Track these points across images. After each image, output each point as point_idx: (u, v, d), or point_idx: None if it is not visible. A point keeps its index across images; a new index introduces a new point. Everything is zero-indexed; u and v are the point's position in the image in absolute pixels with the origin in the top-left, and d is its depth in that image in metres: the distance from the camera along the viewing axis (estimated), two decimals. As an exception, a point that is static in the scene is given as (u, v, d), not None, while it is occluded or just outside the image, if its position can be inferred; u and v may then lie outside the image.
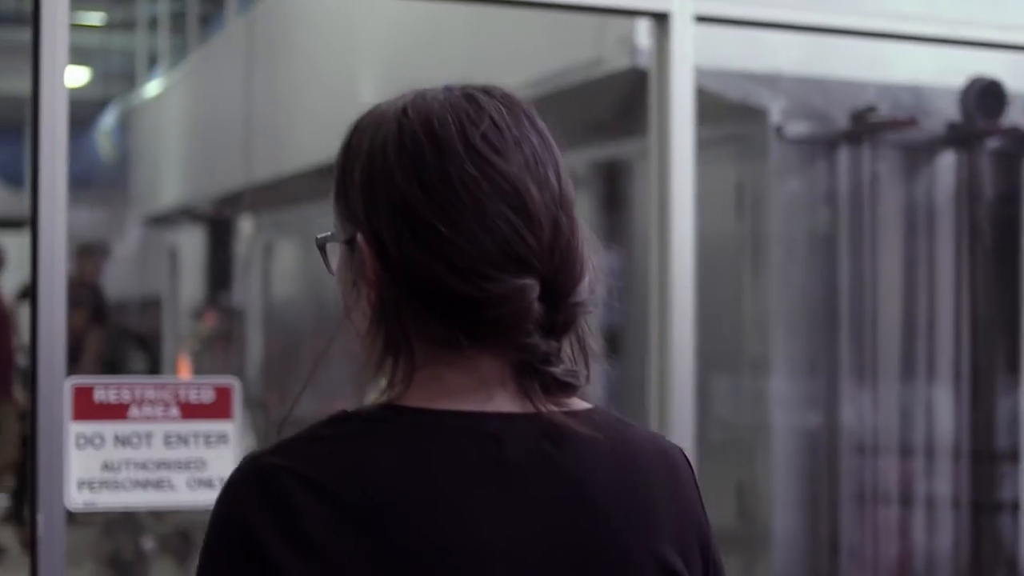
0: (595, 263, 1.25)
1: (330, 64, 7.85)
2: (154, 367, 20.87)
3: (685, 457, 1.33)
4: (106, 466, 2.72)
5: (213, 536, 1.18)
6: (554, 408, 1.21)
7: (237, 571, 1.15)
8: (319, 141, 7.73)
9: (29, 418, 2.60)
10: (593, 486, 1.22)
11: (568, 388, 1.22)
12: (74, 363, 10.16)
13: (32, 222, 2.67)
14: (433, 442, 1.18)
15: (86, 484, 2.69)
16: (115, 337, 15.77)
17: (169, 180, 12.17)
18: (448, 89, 1.24)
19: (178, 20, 12.91)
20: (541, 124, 1.24)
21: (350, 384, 1.27)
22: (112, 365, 10.53)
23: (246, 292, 10.75)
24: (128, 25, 14.66)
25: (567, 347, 1.23)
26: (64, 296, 2.58)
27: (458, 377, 1.21)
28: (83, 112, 19.88)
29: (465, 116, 1.20)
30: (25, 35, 2.72)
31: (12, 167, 18.80)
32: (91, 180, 20.63)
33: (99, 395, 2.71)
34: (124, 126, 16.35)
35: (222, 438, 3.06)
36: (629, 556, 1.22)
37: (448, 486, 1.17)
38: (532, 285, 1.18)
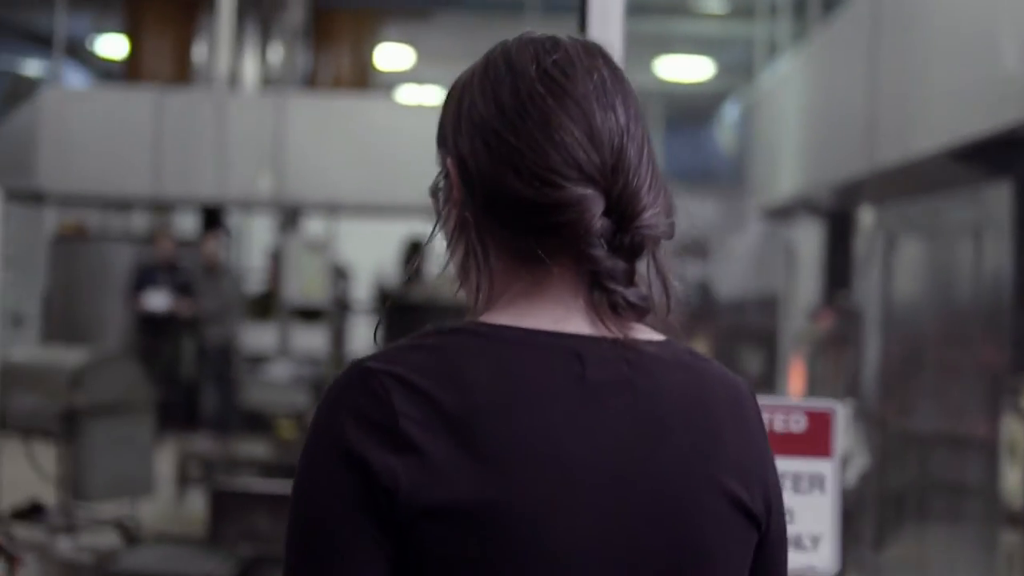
0: (667, 199, 1.33)
1: (968, 33, 6.90)
2: (769, 369, 20.43)
3: (752, 394, 1.38)
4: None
5: (314, 434, 1.26)
6: (626, 333, 1.29)
7: (335, 468, 1.22)
8: (954, 119, 6.82)
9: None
10: (666, 410, 1.30)
11: (637, 310, 1.30)
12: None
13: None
14: (521, 356, 1.26)
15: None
16: (730, 335, 15.47)
17: (786, 172, 11.53)
18: (546, 34, 1.35)
19: (798, 4, 12.26)
20: (617, 66, 1.34)
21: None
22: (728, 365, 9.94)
23: (865, 292, 9.93)
24: (747, 13, 14.20)
25: (647, 275, 1.31)
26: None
27: (538, 297, 1.30)
28: (705, 105, 19.79)
29: (541, 47, 1.33)
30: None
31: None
32: (711, 173, 20.50)
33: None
34: (744, 117, 15.94)
35: (816, 482, 2.35)
36: (694, 479, 1.29)
37: (534, 397, 1.25)
38: (593, 196, 1.27)
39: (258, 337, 12.21)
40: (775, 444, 2.01)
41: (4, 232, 14.25)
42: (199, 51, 14.55)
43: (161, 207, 14.46)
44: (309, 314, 11.91)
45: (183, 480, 9.26)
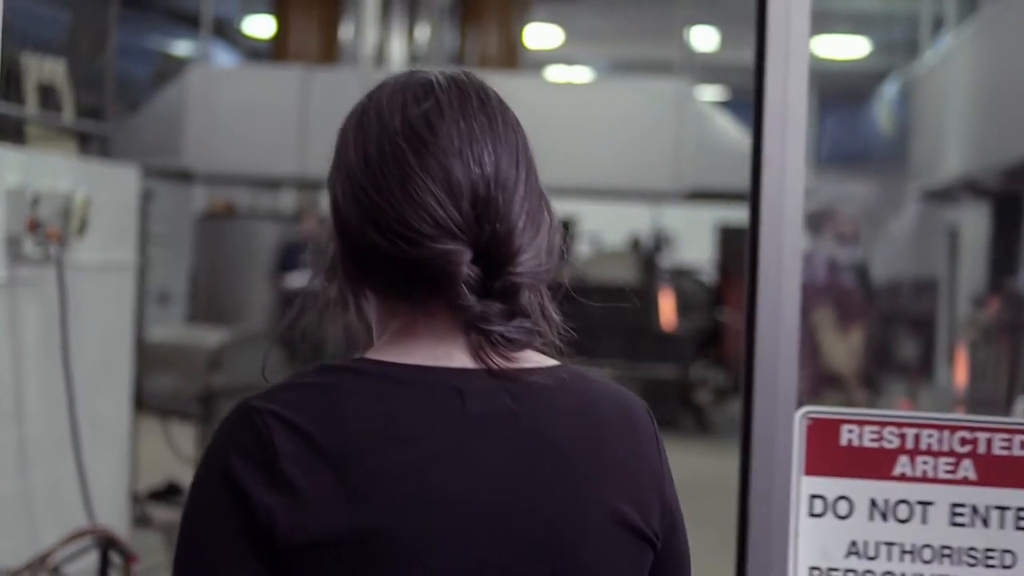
0: (551, 235, 1.38)
1: None
2: (927, 356, 19.73)
3: (648, 413, 1.42)
4: (854, 548, 1.72)
5: (203, 467, 1.31)
6: (507, 364, 1.33)
7: (219, 505, 1.26)
8: None
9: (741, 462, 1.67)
10: (550, 437, 1.32)
11: (515, 344, 1.33)
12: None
13: (753, 205, 1.99)
14: (401, 392, 1.30)
15: (821, 574, 1.71)
16: (886, 320, 14.92)
17: (950, 152, 10.98)
18: (417, 72, 1.40)
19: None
20: (494, 107, 1.36)
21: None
22: (881, 353, 9.58)
23: (1035, 278, 9.37)
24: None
25: (535, 310, 1.36)
26: (797, 295, 1.62)
27: (421, 334, 1.34)
28: (861, 84, 19.13)
29: (412, 96, 1.35)
30: None
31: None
32: (869, 153, 19.84)
33: (847, 435, 1.70)
34: (904, 96, 15.32)
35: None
36: (579, 503, 1.31)
37: (413, 433, 1.28)
38: (456, 249, 1.30)
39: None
40: (990, 474, 1.67)
41: (142, 210, 14.29)
42: (345, 31, 14.42)
43: (307, 186, 14.36)
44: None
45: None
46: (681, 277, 15.12)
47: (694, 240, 17.63)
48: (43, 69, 5.99)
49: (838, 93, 20.41)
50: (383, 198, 1.32)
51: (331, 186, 1.40)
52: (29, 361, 5.37)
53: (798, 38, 1.86)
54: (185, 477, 7.51)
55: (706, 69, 13.14)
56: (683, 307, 14.09)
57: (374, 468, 1.27)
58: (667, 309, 13.56)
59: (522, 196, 1.36)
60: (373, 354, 1.36)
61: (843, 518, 1.69)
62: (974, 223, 11.58)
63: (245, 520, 1.26)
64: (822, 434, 1.68)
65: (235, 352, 7.08)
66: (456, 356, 1.34)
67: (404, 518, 1.26)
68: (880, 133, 18.38)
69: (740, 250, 10.97)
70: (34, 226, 5.30)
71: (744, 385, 1.72)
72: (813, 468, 1.69)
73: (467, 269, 1.32)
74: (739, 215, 18.24)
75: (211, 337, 7.25)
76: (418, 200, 1.31)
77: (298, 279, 12.35)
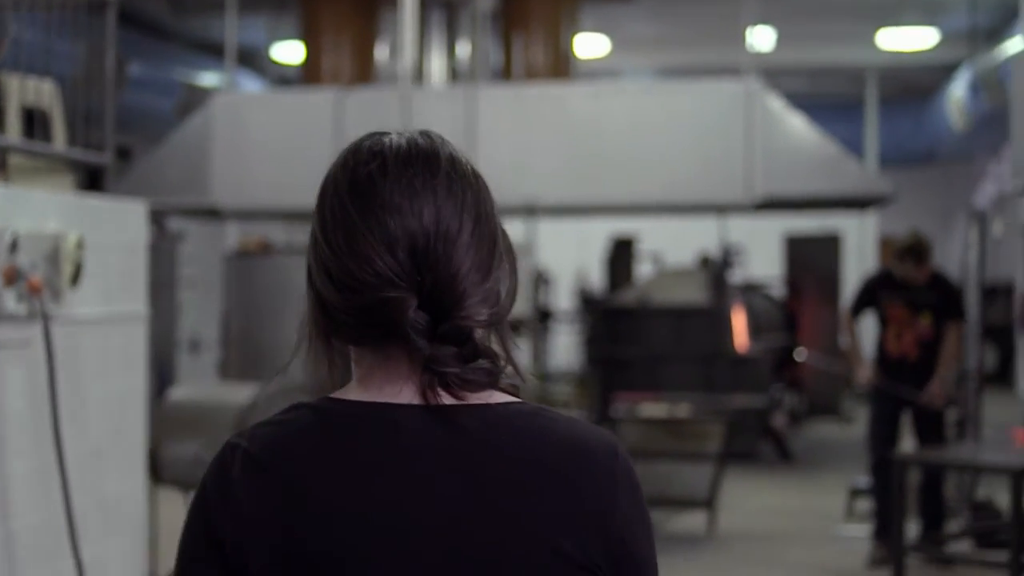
0: (499, 284, 1.47)
1: None
2: (1005, 365, 18.54)
3: (612, 450, 1.47)
4: None
5: (198, 487, 1.48)
6: (454, 401, 1.43)
7: (194, 525, 1.45)
8: None
9: None
10: (487, 471, 1.41)
11: (472, 385, 1.43)
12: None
13: None
14: (345, 428, 1.44)
15: None
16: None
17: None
18: (375, 134, 1.51)
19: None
20: (442, 163, 1.46)
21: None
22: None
23: None
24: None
25: (498, 349, 1.46)
26: None
27: (381, 373, 1.46)
28: (929, 77, 18.06)
29: (362, 159, 1.47)
30: None
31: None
32: (935, 151, 18.74)
33: None
34: (985, 86, 14.23)
35: None
36: (511, 533, 1.39)
37: (346, 465, 1.42)
38: (398, 298, 1.41)
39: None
40: None
41: (169, 253, 13.37)
42: (381, 51, 13.51)
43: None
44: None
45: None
46: (751, 294, 14.06)
47: (760, 253, 16.58)
48: (28, 91, 5.06)
49: (905, 88, 19.36)
50: (332, 251, 1.45)
51: (308, 248, 1.53)
52: (15, 438, 4.45)
53: None
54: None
55: (766, 72, 12.12)
56: (755, 327, 13.04)
57: (311, 498, 1.41)
58: (741, 330, 12.51)
59: (466, 244, 1.44)
60: (338, 393, 1.49)
61: None
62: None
63: (210, 538, 1.44)
64: None
65: (267, 411, 6.10)
66: (405, 394, 1.45)
67: (332, 543, 1.40)
68: (950, 128, 17.29)
69: (809, 262, 9.99)
70: (13, 276, 4.38)
71: None
72: None
73: (413, 315, 1.42)
74: (807, 224, 17.28)
75: (239, 394, 6.26)
76: (360, 252, 1.43)
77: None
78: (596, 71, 17.23)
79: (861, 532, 8.62)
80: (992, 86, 13.84)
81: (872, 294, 8.15)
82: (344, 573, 1.39)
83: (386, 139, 1.49)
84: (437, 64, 13.14)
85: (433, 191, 1.45)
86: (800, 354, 13.19)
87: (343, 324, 1.46)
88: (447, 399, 1.43)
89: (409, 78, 12.62)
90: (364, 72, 13.16)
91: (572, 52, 13.34)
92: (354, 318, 1.44)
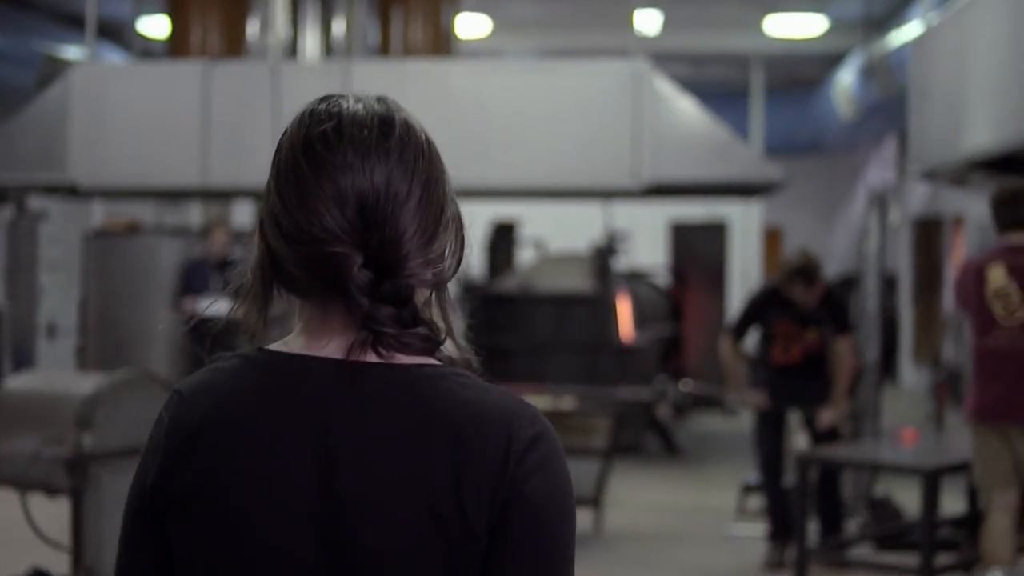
0: (443, 250, 1.52)
1: None
2: (888, 359, 18.39)
3: (525, 418, 1.48)
4: None
5: None
6: (375, 359, 1.48)
7: (136, 475, 1.55)
8: None
9: None
10: (380, 427, 1.46)
11: (408, 349, 1.48)
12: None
13: None
14: (252, 376, 1.51)
15: None
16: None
17: (975, 125, 9.56)
18: (332, 97, 1.56)
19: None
20: (400, 133, 1.51)
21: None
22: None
23: None
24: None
25: (434, 314, 1.52)
26: None
27: (316, 326, 1.51)
28: (815, 65, 17.83)
29: (316, 118, 1.51)
30: None
31: None
32: (820, 140, 18.55)
33: None
34: (872, 73, 13.98)
35: None
36: (391, 496, 1.44)
37: (245, 410, 1.49)
38: (345, 254, 1.46)
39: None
40: None
41: (30, 232, 12.60)
42: (253, 26, 12.83)
43: (213, 197, 12.73)
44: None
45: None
46: (636, 282, 13.65)
47: (645, 240, 16.20)
48: None
49: (788, 77, 19.13)
50: (284, 205, 1.49)
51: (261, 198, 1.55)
52: None
53: None
54: (54, 563, 5.90)
55: (650, 58, 11.68)
56: (640, 316, 12.63)
57: (215, 439, 1.49)
58: (626, 320, 12.08)
59: (413, 208, 1.49)
60: (271, 345, 1.54)
61: None
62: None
63: (143, 478, 1.53)
64: None
65: (113, 404, 5.48)
66: (329, 348, 1.50)
67: (221, 485, 1.47)
68: (838, 118, 17.06)
69: (695, 250, 9.49)
70: None
71: None
72: None
73: (357, 272, 1.46)
74: (693, 211, 16.94)
75: (84, 384, 5.63)
76: (310, 207, 1.47)
77: (209, 304, 10.76)
78: (477, 52, 16.72)
79: (754, 532, 8.23)
80: (883, 74, 13.58)
81: (759, 313, 7.70)
82: (244, 516, 1.46)
83: (343, 101, 1.54)
84: (311, 40, 12.51)
85: (386, 153, 1.49)
86: (686, 384, 12.81)
87: (289, 275, 1.50)
88: (372, 359, 1.48)
89: (280, 51, 11.99)
90: (234, 47, 12.48)
91: (453, 32, 12.80)
92: (300, 270, 1.49)
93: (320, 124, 1.50)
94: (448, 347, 1.52)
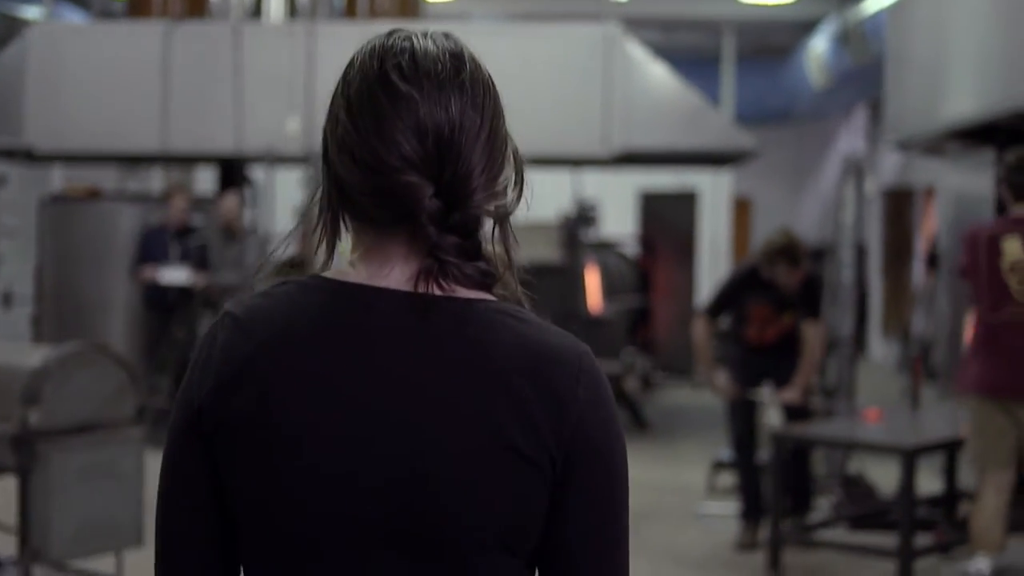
0: (509, 180, 1.54)
1: None
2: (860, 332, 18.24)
3: (579, 354, 1.51)
4: None
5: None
6: (438, 292, 1.49)
7: (182, 394, 1.54)
8: None
9: None
10: (439, 360, 1.47)
11: (469, 281, 1.50)
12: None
13: None
14: (314, 303, 1.51)
15: None
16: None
17: (954, 94, 9.37)
18: (399, 30, 1.55)
19: None
20: (464, 62, 1.51)
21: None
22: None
23: None
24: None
25: (495, 250, 1.53)
26: None
27: (376, 258, 1.52)
28: (787, 33, 17.59)
29: (390, 51, 1.51)
30: None
31: None
32: (792, 109, 18.33)
33: None
34: (844, 42, 13.77)
35: None
36: (462, 424, 1.45)
37: (307, 337, 1.49)
38: (418, 184, 1.47)
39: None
40: None
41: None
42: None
43: (173, 161, 12.43)
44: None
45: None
46: (605, 252, 13.44)
47: (614, 210, 15.99)
48: None
49: (759, 44, 18.91)
50: (359, 134, 1.49)
51: (324, 130, 1.56)
52: None
53: None
54: (4, 548, 5.66)
55: (625, 23, 11.45)
56: (609, 287, 12.42)
57: (276, 364, 1.48)
58: (594, 291, 11.87)
59: (484, 142, 1.50)
60: (329, 272, 1.55)
61: None
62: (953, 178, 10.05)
63: (191, 400, 1.52)
64: None
65: (62, 378, 5.24)
66: (394, 278, 1.51)
67: (290, 411, 1.46)
68: (806, 87, 16.87)
69: (665, 220, 9.23)
70: None
71: None
72: None
73: (428, 201, 1.47)
74: (663, 180, 16.71)
75: (31, 357, 5.38)
76: (389, 137, 1.47)
77: (170, 273, 10.49)
78: (445, 15, 16.44)
79: (725, 510, 8.05)
80: (857, 41, 13.39)
81: (736, 295, 7.45)
82: (299, 443, 1.46)
83: (413, 37, 1.54)
84: (276, 2, 12.22)
85: (460, 87, 1.49)
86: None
87: (357, 203, 1.51)
88: (435, 291, 1.49)
89: (242, 11, 11.70)
90: (196, 8, 12.17)
91: (420, -5, 12.54)
92: (371, 198, 1.49)
93: (395, 57, 1.50)
94: (507, 280, 1.54)
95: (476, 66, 1.53)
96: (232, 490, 1.49)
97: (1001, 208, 7.61)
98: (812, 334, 7.34)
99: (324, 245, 1.56)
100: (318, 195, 1.57)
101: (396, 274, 1.50)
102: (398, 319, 1.48)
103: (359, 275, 1.52)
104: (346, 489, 1.45)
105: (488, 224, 1.52)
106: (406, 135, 1.47)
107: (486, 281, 1.51)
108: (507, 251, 1.53)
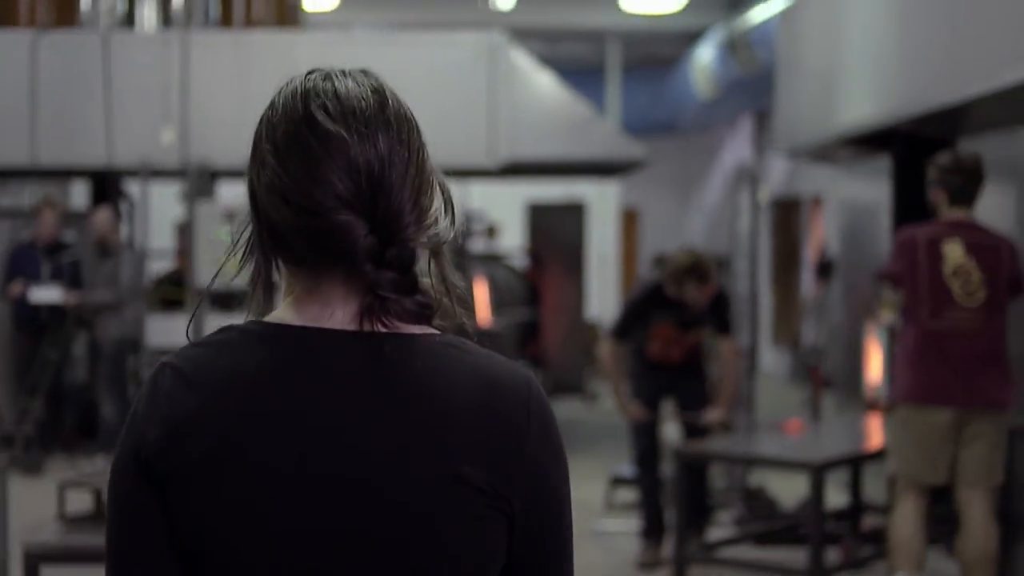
0: (437, 216, 1.54)
1: None
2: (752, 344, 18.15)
3: (527, 385, 1.54)
4: None
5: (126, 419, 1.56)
6: (383, 329, 1.50)
7: (125, 443, 1.52)
8: None
9: None
10: (393, 399, 1.48)
11: (409, 316, 1.50)
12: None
13: None
14: (260, 350, 1.51)
15: None
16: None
17: (849, 101, 9.25)
18: (316, 70, 1.57)
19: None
20: (386, 96, 1.53)
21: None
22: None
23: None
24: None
25: (435, 284, 1.54)
26: None
27: (315, 300, 1.52)
28: (673, 43, 17.51)
29: (313, 92, 1.52)
30: None
31: None
32: (676, 121, 18.27)
33: None
34: (732, 52, 13.69)
35: None
36: (419, 463, 1.46)
37: (259, 382, 1.49)
38: (353, 222, 1.48)
39: (165, 330, 9.77)
40: None
41: None
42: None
43: (43, 176, 11.93)
44: (228, 300, 9.41)
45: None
46: (493, 265, 13.18)
47: (500, 221, 15.75)
48: None
49: (643, 56, 18.82)
50: (291, 178, 1.49)
51: (248, 175, 1.55)
52: None
53: None
54: None
55: (510, 33, 11.24)
56: (497, 300, 12.18)
57: (226, 413, 1.47)
58: (483, 304, 11.62)
59: (412, 175, 1.51)
60: (268, 317, 1.55)
61: None
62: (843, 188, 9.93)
63: (136, 450, 1.49)
64: None
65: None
66: (337, 319, 1.51)
67: (246, 454, 1.46)
68: (691, 98, 16.79)
69: (553, 232, 9.00)
70: None
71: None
72: None
73: (364, 239, 1.48)
74: (550, 191, 16.50)
75: None
76: (323, 178, 1.48)
77: (41, 291, 10.01)
78: (325, 24, 16.10)
79: (624, 527, 7.81)
80: (743, 50, 13.30)
81: (641, 314, 7.22)
82: (251, 488, 1.46)
83: (333, 75, 1.55)
84: (149, 10, 11.79)
85: (386, 123, 1.52)
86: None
87: (292, 245, 1.51)
88: (379, 329, 1.50)
89: (111, 19, 11.26)
90: (66, 17, 11.70)
91: (299, 3, 12.19)
92: (306, 239, 1.49)
93: (319, 97, 1.52)
94: (449, 311, 1.54)
95: (397, 101, 1.55)
96: (187, 535, 1.47)
97: (902, 214, 7.48)
98: (728, 350, 7.17)
99: (259, 289, 1.56)
100: (244, 236, 1.57)
101: (339, 315, 1.51)
102: (347, 360, 1.49)
103: (301, 318, 1.52)
104: (310, 533, 1.46)
105: (424, 257, 1.54)
106: (339, 175, 1.48)
107: (425, 313, 1.51)
108: (444, 281, 1.55)
